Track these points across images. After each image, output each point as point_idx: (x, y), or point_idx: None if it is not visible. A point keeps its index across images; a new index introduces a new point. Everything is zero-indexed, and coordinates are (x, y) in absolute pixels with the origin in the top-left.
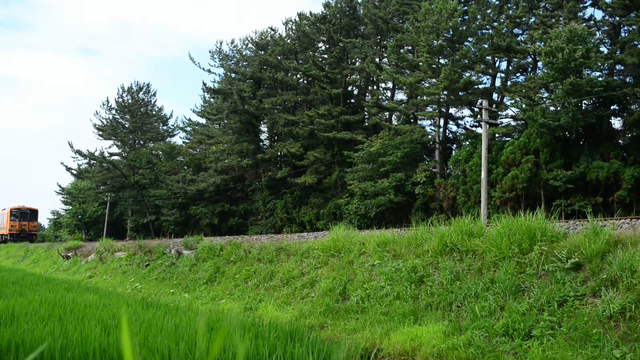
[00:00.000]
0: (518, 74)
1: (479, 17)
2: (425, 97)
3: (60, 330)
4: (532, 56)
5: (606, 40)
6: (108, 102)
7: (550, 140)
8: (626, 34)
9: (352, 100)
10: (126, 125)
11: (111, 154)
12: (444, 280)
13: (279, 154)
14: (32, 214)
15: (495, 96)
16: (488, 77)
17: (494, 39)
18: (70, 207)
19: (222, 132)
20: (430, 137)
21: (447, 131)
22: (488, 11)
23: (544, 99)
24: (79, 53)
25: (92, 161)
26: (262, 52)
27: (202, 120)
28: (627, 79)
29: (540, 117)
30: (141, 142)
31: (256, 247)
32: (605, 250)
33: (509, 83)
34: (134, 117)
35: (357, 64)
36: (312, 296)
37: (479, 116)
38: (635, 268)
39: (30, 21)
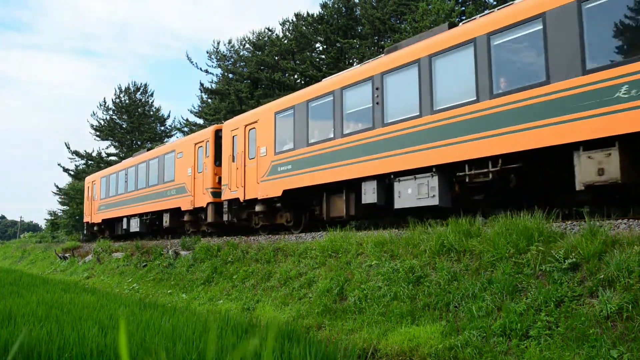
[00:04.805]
0: None
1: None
2: None
3: (57, 331)
4: None
5: None
6: (105, 103)
7: None
8: None
9: None
10: (123, 126)
11: (108, 155)
12: (442, 281)
13: None
14: None
15: None
16: None
17: None
18: (68, 208)
19: None
20: None
21: None
22: (486, 12)
23: None
24: (78, 53)
25: (90, 162)
26: (260, 52)
27: (200, 121)
28: None
29: None
30: (138, 142)
31: (254, 247)
32: (603, 250)
33: None
34: (131, 117)
35: (354, 64)
36: (310, 296)
37: None
38: (632, 268)
39: (30, 21)
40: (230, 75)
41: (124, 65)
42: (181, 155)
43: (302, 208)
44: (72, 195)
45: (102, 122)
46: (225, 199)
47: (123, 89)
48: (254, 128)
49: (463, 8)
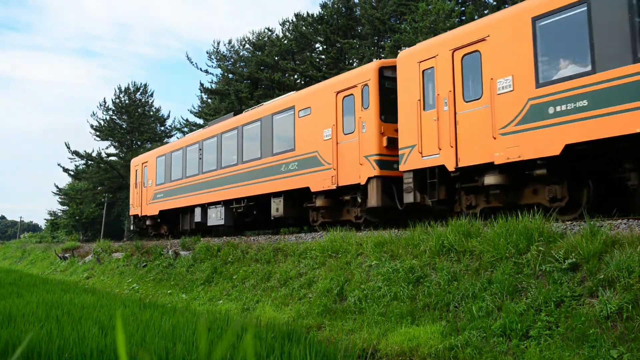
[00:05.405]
0: None
1: (476, 17)
2: None
3: (57, 331)
4: None
5: None
6: (105, 103)
7: None
8: None
9: None
10: (123, 126)
11: (108, 155)
12: (442, 281)
13: None
14: None
15: None
16: None
17: None
18: (68, 208)
19: None
20: None
21: None
22: (485, 12)
23: None
24: (78, 53)
25: (90, 162)
26: (259, 52)
27: (200, 121)
28: None
29: None
30: (138, 142)
31: (253, 247)
32: (603, 250)
33: None
34: (131, 117)
35: (354, 64)
36: (310, 297)
37: None
38: (632, 268)
39: (30, 21)
40: (230, 76)
41: (124, 65)
42: (307, 112)
43: (583, 177)
44: (72, 196)
45: (102, 122)
46: (409, 169)
47: (123, 89)
48: (476, 51)
49: (463, 8)
